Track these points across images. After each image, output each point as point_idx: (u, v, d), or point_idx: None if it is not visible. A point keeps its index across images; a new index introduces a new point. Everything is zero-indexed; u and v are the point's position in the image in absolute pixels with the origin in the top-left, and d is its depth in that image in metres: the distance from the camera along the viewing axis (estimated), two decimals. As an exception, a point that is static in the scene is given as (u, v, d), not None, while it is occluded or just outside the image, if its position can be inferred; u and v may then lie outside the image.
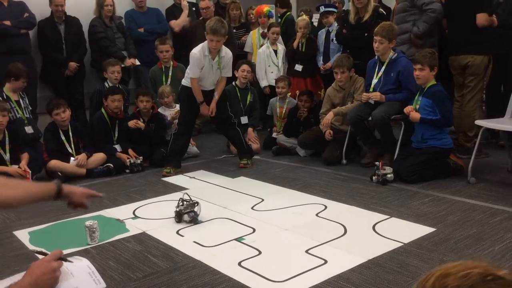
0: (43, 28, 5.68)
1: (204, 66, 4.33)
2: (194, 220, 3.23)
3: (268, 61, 6.14)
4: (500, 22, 4.43)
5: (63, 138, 4.56)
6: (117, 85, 5.21)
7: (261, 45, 6.32)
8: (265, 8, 6.36)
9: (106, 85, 5.26)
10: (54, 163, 4.39)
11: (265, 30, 6.36)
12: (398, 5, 5.03)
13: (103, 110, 4.86)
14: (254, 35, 6.42)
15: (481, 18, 4.28)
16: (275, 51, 6.14)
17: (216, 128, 6.39)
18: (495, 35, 4.39)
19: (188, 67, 4.42)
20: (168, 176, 4.40)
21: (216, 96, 4.50)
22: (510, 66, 4.77)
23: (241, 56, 6.19)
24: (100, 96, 5.16)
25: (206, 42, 4.28)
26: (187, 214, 3.23)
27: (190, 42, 6.16)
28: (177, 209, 3.26)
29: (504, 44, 4.58)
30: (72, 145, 4.57)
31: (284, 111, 5.46)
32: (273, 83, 5.78)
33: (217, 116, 4.59)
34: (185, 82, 4.53)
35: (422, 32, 4.70)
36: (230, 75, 4.57)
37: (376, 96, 4.30)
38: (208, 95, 4.49)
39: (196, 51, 4.29)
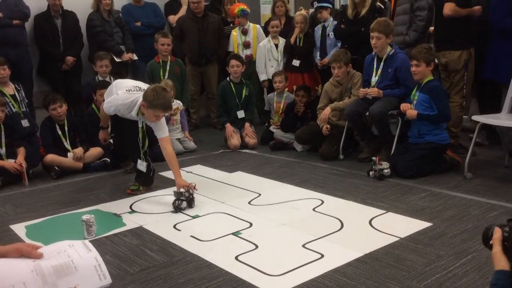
0: (40, 22, 5.66)
1: (126, 116, 3.69)
2: (190, 202, 3.40)
3: (269, 55, 6.14)
4: (479, 18, 4.41)
5: (59, 132, 4.55)
6: (108, 79, 5.18)
7: (243, 43, 6.32)
8: (236, 9, 6.31)
9: (97, 79, 5.24)
10: (51, 157, 4.38)
11: (246, 27, 6.35)
12: (398, 8, 5.02)
13: (93, 105, 4.85)
14: (234, 33, 6.39)
15: (447, 8, 4.22)
16: (276, 45, 6.14)
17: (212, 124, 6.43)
18: (473, 31, 4.35)
19: (107, 96, 3.80)
20: (133, 194, 3.78)
21: (177, 179, 3.55)
22: None
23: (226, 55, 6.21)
24: (89, 90, 5.16)
25: (139, 103, 3.49)
26: (181, 201, 3.36)
27: (181, 38, 6.18)
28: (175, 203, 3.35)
29: (482, 41, 4.54)
30: (68, 140, 4.56)
31: (281, 106, 5.45)
32: (273, 77, 5.77)
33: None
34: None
35: (413, 40, 4.75)
36: (165, 135, 3.62)
37: (373, 92, 4.30)
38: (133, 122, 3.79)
39: (121, 101, 3.54)
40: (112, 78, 5.20)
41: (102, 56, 5.26)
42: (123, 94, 3.57)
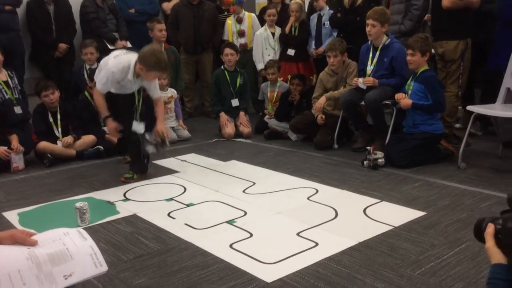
0: (32, 8, 5.58)
1: (122, 83, 3.66)
2: (158, 147, 3.69)
3: (265, 44, 6.11)
4: (477, 9, 4.40)
5: (51, 120, 4.51)
6: (95, 67, 5.10)
7: (238, 31, 6.28)
8: None
9: (85, 67, 5.18)
10: (44, 144, 4.34)
11: (240, 15, 6.31)
12: None
13: (86, 92, 4.81)
14: (229, 22, 6.36)
15: (445, 0, 4.23)
16: (273, 34, 6.10)
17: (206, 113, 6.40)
18: (470, 21, 4.34)
19: (97, 76, 3.70)
20: (127, 182, 3.77)
21: (159, 123, 3.78)
22: (484, 54, 4.74)
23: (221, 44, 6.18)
24: (76, 78, 5.12)
25: (133, 64, 3.53)
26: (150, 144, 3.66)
27: (176, 26, 6.12)
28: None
29: (478, 31, 4.54)
30: (60, 128, 4.52)
31: (275, 95, 5.44)
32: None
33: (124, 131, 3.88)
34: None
35: (408, 30, 4.75)
36: (158, 94, 3.84)
37: (369, 81, 4.29)
38: (130, 97, 3.78)
39: (115, 69, 3.53)
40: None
41: (87, 44, 5.17)
42: (113, 61, 3.55)
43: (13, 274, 1.27)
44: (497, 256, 1.22)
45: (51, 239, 1.40)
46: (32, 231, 1.46)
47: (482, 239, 1.27)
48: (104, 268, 1.38)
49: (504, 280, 1.18)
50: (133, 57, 3.58)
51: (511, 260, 1.20)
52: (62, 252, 1.35)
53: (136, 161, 3.84)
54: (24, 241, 1.37)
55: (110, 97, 3.76)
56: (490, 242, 1.24)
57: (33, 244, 1.36)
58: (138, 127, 3.75)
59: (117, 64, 3.54)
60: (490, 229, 1.26)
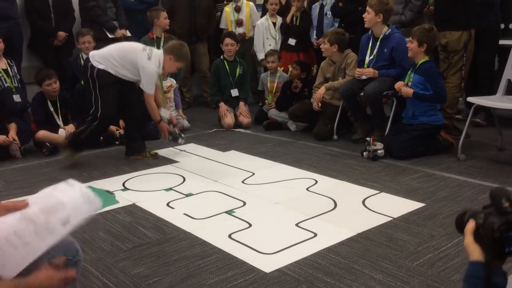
0: (31, -4, 5.53)
1: None
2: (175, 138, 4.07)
3: (267, 33, 6.07)
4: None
5: (51, 109, 4.50)
6: None
7: (236, 21, 6.25)
8: None
9: (81, 56, 5.15)
10: (43, 133, 4.33)
11: (239, 4, 6.28)
12: None
13: (82, 82, 4.78)
14: (227, 10, 6.33)
15: None
16: (274, 24, 6.06)
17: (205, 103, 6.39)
18: (473, 12, 4.32)
19: (144, 81, 3.81)
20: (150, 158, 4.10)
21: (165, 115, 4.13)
22: (490, 44, 4.74)
23: (219, 33, 6.15)
24: (73, 67, 5.10)
25: (161, 58, 3.84)
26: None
27: (171, 15, 6.08)
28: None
29: (482, 21, 4.52)
30: (60, 116, 4.51)
31: (275, 85, 5.42)
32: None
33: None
34: (106, 68, 3.80)
35: (409, 20, 4.74)
36: (146, 89, 3.88)
37: (369, 72, 4.27)
38: (126, 84, 3.90)
39: (155, 66, 3.79)
40: None
41: (84, 33, 5.13)
42: (150, 62, 3.78)
43: (10, 237, 1.24)
44: (475, 253, 1.20)
45: (40, 197, 1.38)
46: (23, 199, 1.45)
47: (461, 232, 1.26)
48: (98, 204, 1.37)
49: (481, 278, 1.17)
50: (158, 50, 3.90)
51: (489, 257, 1.18)
52: (53, 202, 1.33)
53: (132, 143, 4.12)
54: (15, 206, 1.34)
55: (121, 91, 3.90)
56: (469, 239, 1.22)
57: (24, 206, 1.33)
58: (165, 113, 4.16)
59: (155, 62, 3.79)
60: (470, 225, 1.24)
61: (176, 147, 4.46)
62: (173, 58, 3.86)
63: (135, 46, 3.91)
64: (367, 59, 4.37)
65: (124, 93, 3.94)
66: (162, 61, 3.85)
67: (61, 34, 5.59)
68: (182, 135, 4.16)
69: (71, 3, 5.78)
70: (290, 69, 5.25)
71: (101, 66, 3.79)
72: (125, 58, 3.80)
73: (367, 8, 4.21)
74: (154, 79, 3.88)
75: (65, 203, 1.32)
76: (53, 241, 1.26)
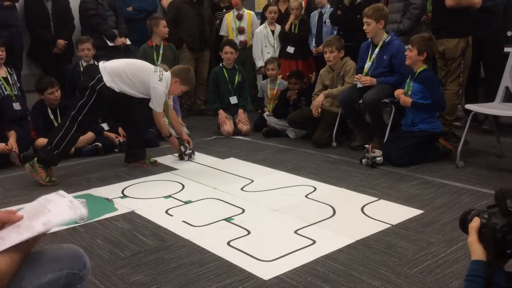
0: (30, 5, 5.56)
1: None
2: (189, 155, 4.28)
3: (265, 41, 6.10)
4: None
5: (51, 116, 4.52)
6: (92, 63, 5.10)
7: (238, 28, 6.29)
8: None
9: (81, 63, 5.17)
10: (42, 141, 4.31)
11: (240, 12, 6.31)
12: None
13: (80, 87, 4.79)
14: (228, 18, 6.37)
15: None
16: (273, 32, 6.09)
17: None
18: (470, 19, 4.35)
19: (154, 100, 3.86)
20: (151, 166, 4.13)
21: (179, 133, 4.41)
22: (488, 51, 4.76)
23: (219, 40, 6.20)
24: (72, 74, 5.12)
25: (169, 80, 3.93)
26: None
27: (176, 22, 6.12)
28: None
29: (481, 28, 4.54)
30: (60, 124, 4.53)
31: (275, 93, 5.43)
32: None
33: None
34: (114, 86, 3.75)
35: (407, 29, 4.77)
36: (156, 108, 3.93)
37: (366, 80, 4.28)
38: (128, 99, 3.88)
39: (164, 88, 3.88)
40: (95, 62, 5.11)
41: (83, 40, 5.16)
42: (159, 81, 3.85)
43: None
44: (478, 252, 1.20)
45: (32, 208, 1.41)
46: (16, 209, 1.47)
47: (466, 231, 1.26)
48: (83, 213, 1.42)
49: (482, 277, 1.16)
50: (167, 72, 3.98)
51: (491, 258, 1.18)
52: (40, 211, 1.37)
53: (132, 151, 4.16)
54: (9, 219, 1.35)
55: (125, 103, 3.91)
56: (473, 237, 1.22)
57: (19, 219, 1.35)
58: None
59: (166, 84, 3.90)
60: (475, 223, 1.23)
61: (175, 154, 4.46)
62: (179, 81, 3.98)
63: (148, 67, 3.94)
64: (366, 65, 4.39)
65: (129, 105, 3.96)
66: (169, 83, 3.94)
67: (61, 42, 5.62)
68: (188, 152, 4.31)
69: (70, 11, 5.81)
70: (288, 85, 5.25)
71: (109, 84, 3.71)
72: (137, 76, 3.80)
73: (366, 20, 4.22)
74: (164, 99, 3.95)
75: (50, 210, 1.38)
76: (28, 236, 1.30)
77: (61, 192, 1.48)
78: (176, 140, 4.28)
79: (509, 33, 5.07)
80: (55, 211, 1.38)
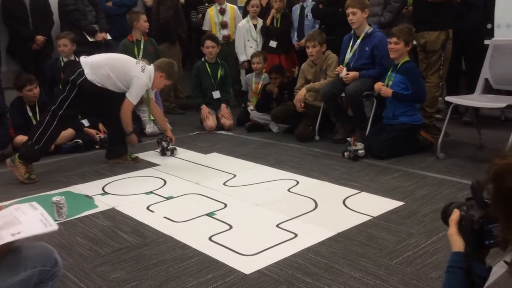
0: (7, 1, 5.45)
1: None
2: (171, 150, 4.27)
3: (248, 35, 6.07)
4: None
5: (30, 113, 4.45)
6: (72, 58, 5.04)
7: (221, 23, 6.24)
8: None
9: (61, 59, 5.10)
10: (21, 138, 4.25)
11: (223, 6, 6.28)
12: None
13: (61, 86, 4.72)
14: (211, 12, 6.33)
15: None
16: (255, 26, 6.07)
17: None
18: (451, 12, 4.38)
19: (133, 90, 3.76)
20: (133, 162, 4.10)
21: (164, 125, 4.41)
22: (469, 44, 4.81)
23: (200, 34, 6.13)
24: (53, 70, 5.04)
25: (153, 74, 3.87)
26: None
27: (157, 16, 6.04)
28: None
29: (461, 22, 4.58)
30: (39, 121, 4.46)
31: (259, 87, 5.42)
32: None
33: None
34: (96, 79, 3.69)
35: (387, 21, 4.78)
36: (131, 98, 3.81)
37: (348, 78, 4.28)
38: (109, 94, 3.81)
39: (147, 80, 3.82)
40: (76, 57, 5.04)
41: (61, 36, 5.10)
42: (143, 74, 3.80)
43: None
44: (457, 244, 1.21)
45: (2, 216, 1.44)
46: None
47: (447, 224, 1.27)
48: (53, 227, 1.42)
49: (461, 268, 1.18)
50: (149, 66, 3.94)
51: (470, 249, 1.19)
52: (10, 221, 1.40)
53: (113, 149, 4.11)
54: None
55: (106, 98, 3.83)
56: (453, 229, 1.23)
57: None
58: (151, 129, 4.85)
59: (148, 76, 3.84)
60: (455, 215, 1.25)
61: (157, 150, 4.43)
62: (164, 75, 3.93)
63: (130, 59, 3.92)
64: (347, 56, 4.40)
65: (110, 100, 3.88)
66: (153, 76, 3.89)
67: (39, 38, 5.52)
68: (170, 148, 4.29)
69: (49, 6, 5.71)
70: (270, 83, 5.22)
71: (90, 77, 3.66)
72: (119, 68, 3.73)
73: (351, 10, 4.22)
74: (143, 91, 3.89)
75: (21, 222, 1.40)
76: None
77: (35, 204, 1.51)
78: (135, 137, 4.13)
79: (489, 26, 5.11)
80: (26, 223, 1.40)
